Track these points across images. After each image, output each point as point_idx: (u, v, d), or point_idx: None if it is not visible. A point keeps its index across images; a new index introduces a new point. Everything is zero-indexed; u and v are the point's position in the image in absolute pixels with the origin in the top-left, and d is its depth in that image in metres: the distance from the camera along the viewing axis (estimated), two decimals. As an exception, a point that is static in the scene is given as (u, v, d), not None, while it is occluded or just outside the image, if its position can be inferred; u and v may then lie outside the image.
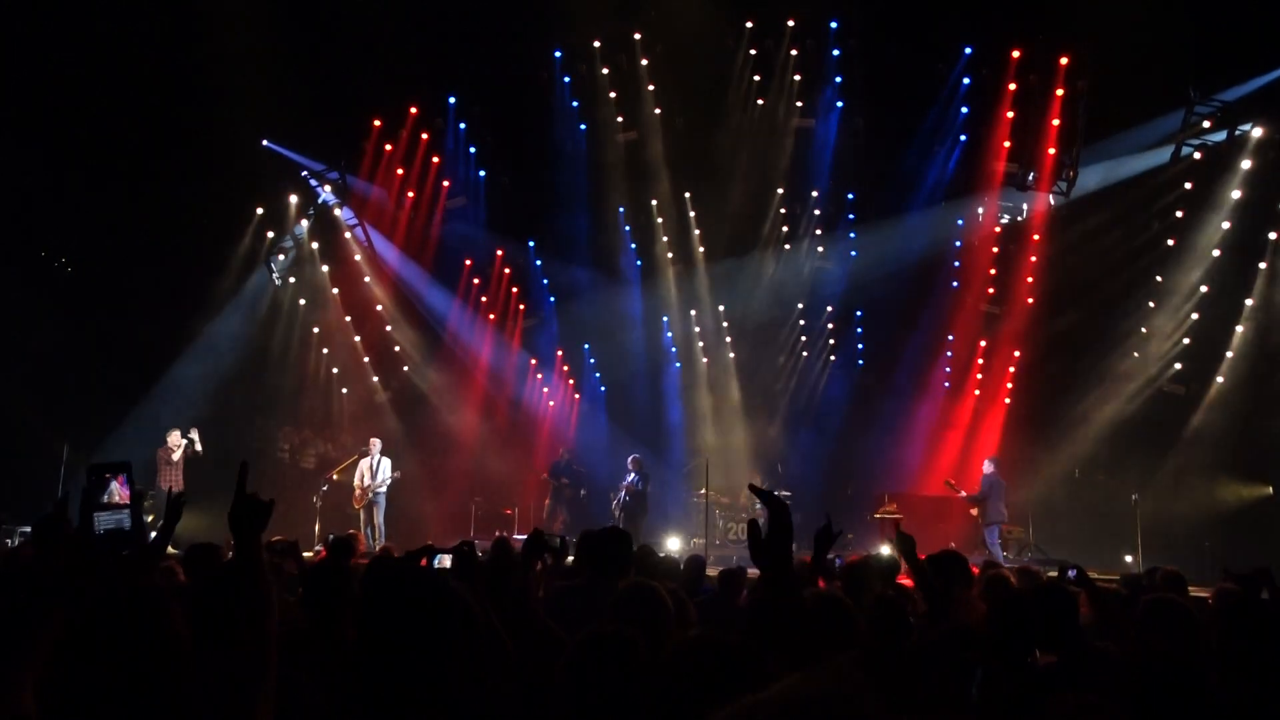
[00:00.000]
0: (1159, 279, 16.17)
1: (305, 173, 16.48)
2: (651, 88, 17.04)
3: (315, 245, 16.81)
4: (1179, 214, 15.68)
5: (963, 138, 16.86)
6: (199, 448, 13.66)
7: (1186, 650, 3.55)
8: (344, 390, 17.80)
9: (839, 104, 17.08)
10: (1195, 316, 15.98)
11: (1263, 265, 14.87)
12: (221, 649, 2.85)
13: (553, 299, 19.66)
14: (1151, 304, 16.34)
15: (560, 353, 20.09)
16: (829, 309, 19.50)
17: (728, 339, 19.80)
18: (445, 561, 4.58)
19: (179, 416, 14.16)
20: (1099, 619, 5.04)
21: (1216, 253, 15.32)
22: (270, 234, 16.25)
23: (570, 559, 6.98)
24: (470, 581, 3.59)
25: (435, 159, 17.16)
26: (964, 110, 16.60)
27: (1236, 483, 15.20)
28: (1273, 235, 14.62)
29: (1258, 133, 14.42)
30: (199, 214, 14.88)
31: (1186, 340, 16.21)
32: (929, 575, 4.43)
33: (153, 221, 14.16)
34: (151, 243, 14.30)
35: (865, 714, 0.86)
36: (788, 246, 19.01)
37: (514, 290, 19.47)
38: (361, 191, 16.83)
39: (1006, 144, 16.31)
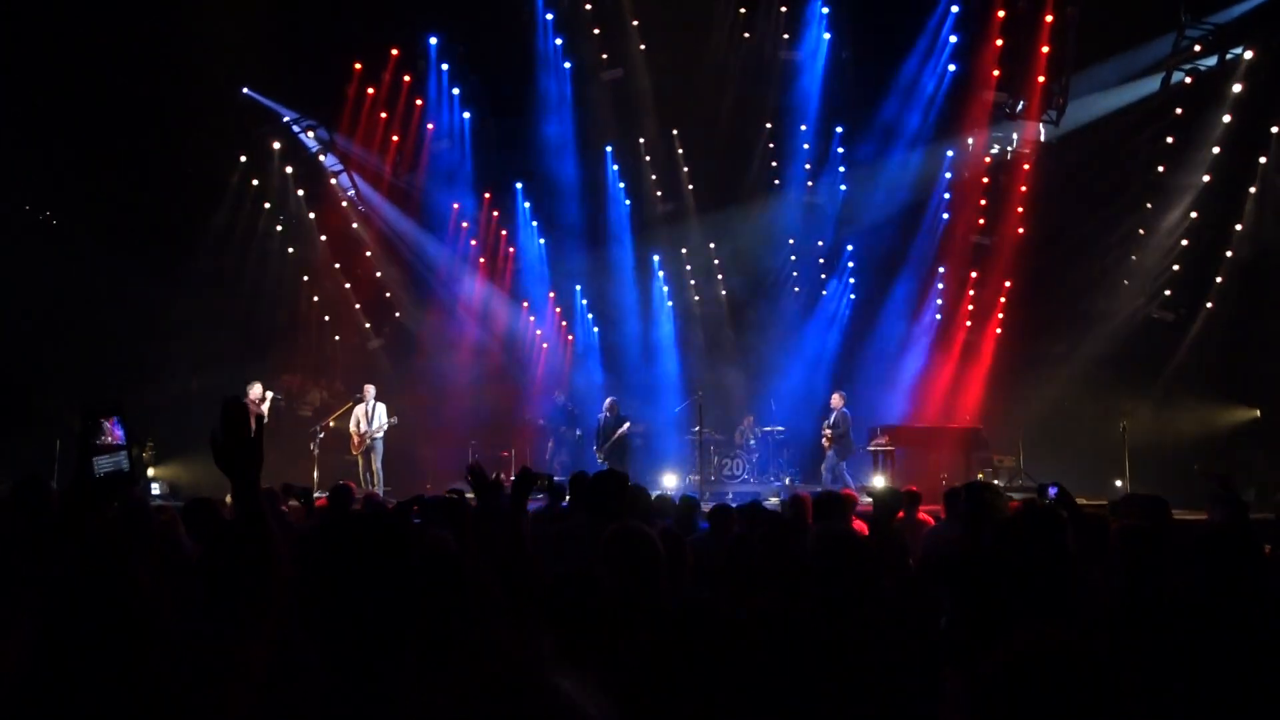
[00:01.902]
0: (1149, 206, 16.15)
1: (288, 119, 16.27)
2: (635, 23, 16.77)
3: (301, 193, 16.65)
4: (1169, 140, 15.60)
5: (952, 67, 16.67)
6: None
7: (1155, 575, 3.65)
8: (336, 337, 17.81)
9: (826, 36, 16.85)
10: (1185, 243, 15.99)
11: (1252, 190, 14.83)
12: (220, 609, 2.93)
13: (543, 241, 19.58)
14: (1141, 231, 16.34)
15: (552, 295, 20.08)
16: (820, 244, 19.45)
17: (719, 276, 19.77)
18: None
19: (173, 371, 14.17)
20: (1080, 542, 5.07)
21: (1206, 178, 15.27)
22: (255, 181, 16.09)
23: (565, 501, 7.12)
24: (461, 530, 3.65)
25: (419, 102, 16.94)
26: (953, 39, 16.40)
27: (1224, 407, 15.36)
28: (1263, 160, 14.55)
29: (1249, 55, 14.26)
30: (182, 164, 14.72)
31: (1176, 267, 16.24)
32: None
33: (135, 173, 14.01)
34: (135, 195, 14.16)
35: None
36: (777, 182, 18.91)
37: (503, 233, 19.37)
38: (345, 136, 16.63)
39: (996, 73, 16.13)
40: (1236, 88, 14.50)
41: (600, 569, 3.07)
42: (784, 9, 16.68)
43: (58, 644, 1.92)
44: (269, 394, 14.32)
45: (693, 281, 19.90)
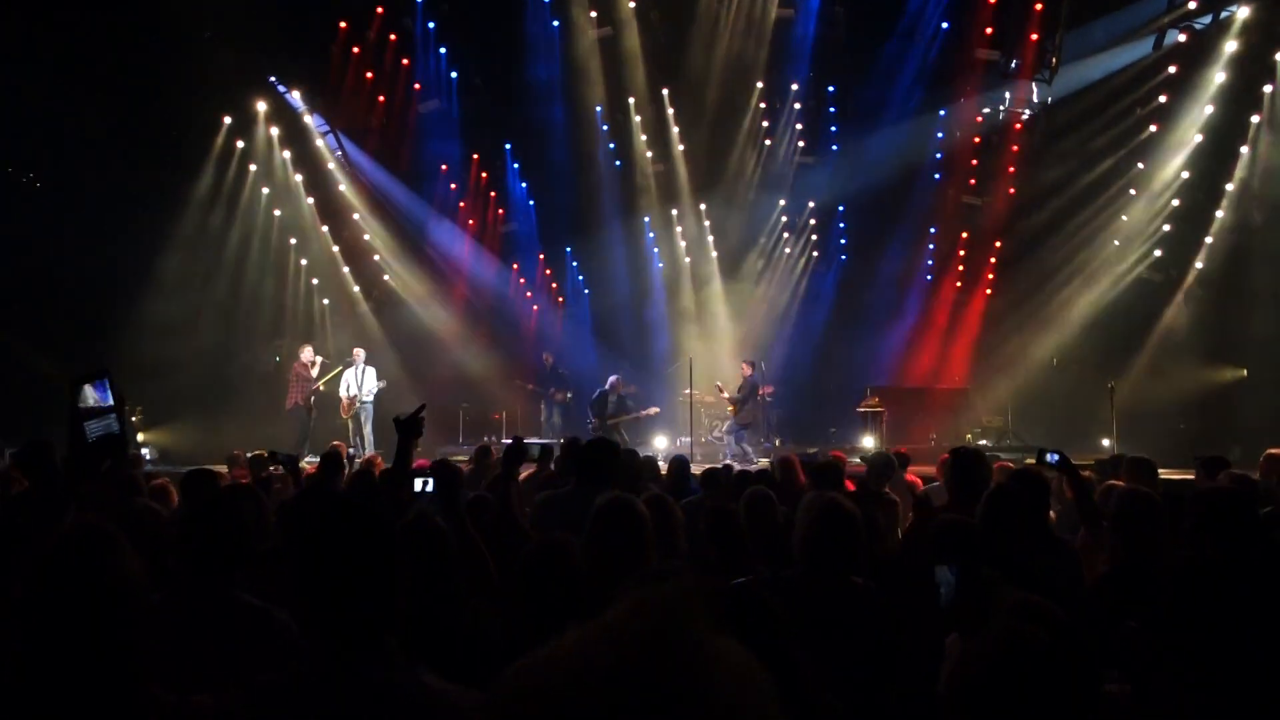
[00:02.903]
0: (1140, 165, 16.10)
1: (273, 78, 16.01)
2: (624, -21, 16.52)
3: (287, 154, 16.43)
4: (1162, 99, 15.51)
5: (944, 25, 16.50)
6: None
7: (1149, 540, 3.66)
8: (325, 301, 17.69)
9: (819, -8, 16.65)
10: (1176, 203, 15.97)
11: (1244, 150, 14.78)
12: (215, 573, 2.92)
13: (532, 202, 19.44)
14: (1133, 191, 16.30)
15: (541, 256, 19.97)
16: (811, 204, 19.37)
17: (710, 237, 19.68)
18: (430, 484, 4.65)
19: (160, 334, 14.04)
20: (1079, 505, 5.06)
21: (1199, 138, 15.21)
22: (240, 143, 15.86)
23: (553, 465, 7.13)
24: (452, 505, 3.66)
25: (405, 61, 16.70)
26: (946, -5, 16.24)
27: (1211, 366, 15.43)
28: (1255, 119, 14.48)
29: (1244, 13, 14.14)
30: (166, 127, 14.51)
31: (1167, 227, 16.23)
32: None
33: (118, 135, 13.78)
34: (118, 157, 13.94)
35: (696, 642, 0.86)
36: (769, 141, 18.77)
37: (492, 194, 19.21)
38: (331, 96, 16.40)
39: (989, 30, 15.97)
40: (1231, 45, 14.38)
41: (573, 540, 3.09)
42: (776, -36, 16.46)
43: (39, 619, 1.92)
44: (319, 358, 14.66)
45: (684, 242, 19.80)
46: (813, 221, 19.59)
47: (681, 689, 0.80)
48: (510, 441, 4.80)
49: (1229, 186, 15.06)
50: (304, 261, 17.20)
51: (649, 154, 18.77)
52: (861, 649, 3.03)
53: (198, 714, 2.03)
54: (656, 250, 19.90)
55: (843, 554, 3.29)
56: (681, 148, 18.68)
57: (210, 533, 2.97)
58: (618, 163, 18.92)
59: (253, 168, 16.01)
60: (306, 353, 14.67)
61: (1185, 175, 15.63)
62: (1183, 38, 15.03)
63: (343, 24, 15.81)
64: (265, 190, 16.28)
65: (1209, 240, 15.54)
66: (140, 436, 14.45)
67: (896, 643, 3.18)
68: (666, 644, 0.83)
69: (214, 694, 2.09)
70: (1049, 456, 5.12)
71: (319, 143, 16.87)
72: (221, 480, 5.50)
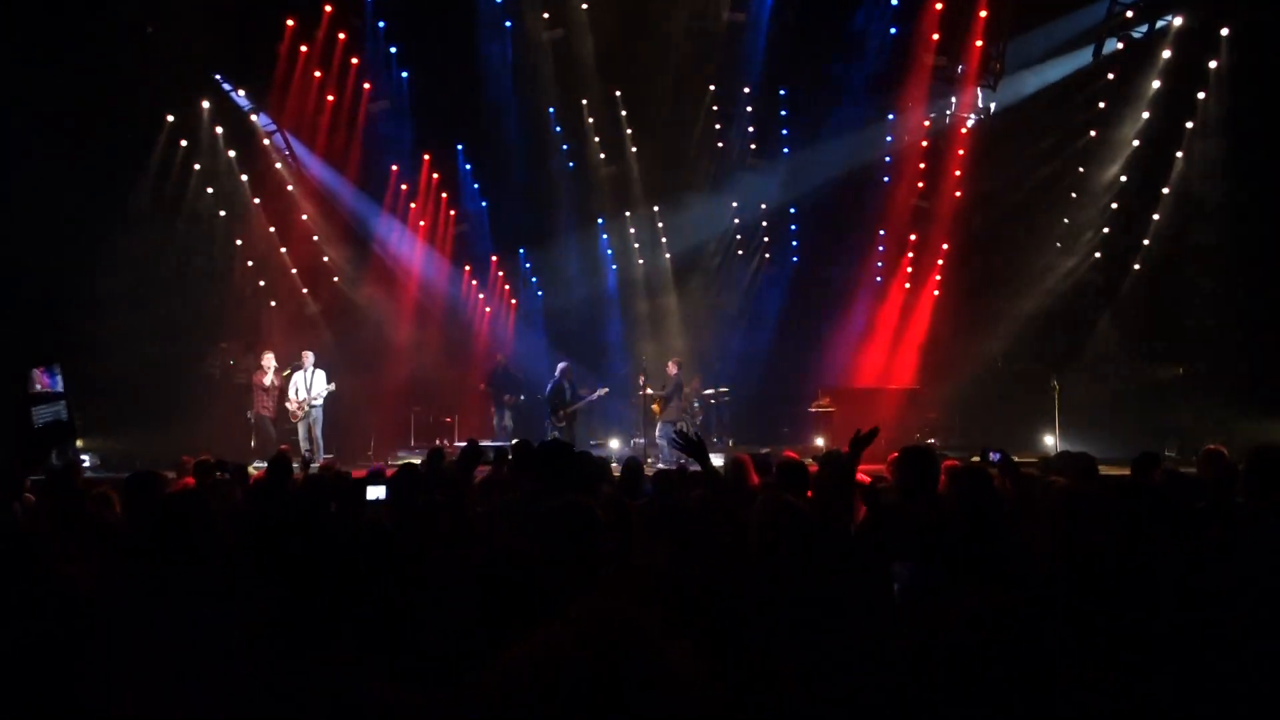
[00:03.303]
0: (1081, 170, 16.48)
1: (219, 75, 15.73)
2: (577, -18, 16.52)
3: (233, 154, 16.15)
4: (1101, 105, 15.91)
5: (893, 30, 16.75)
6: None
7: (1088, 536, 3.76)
8: (272, 303, 17.42)
9: (770, -3, 16.79)
10: (1115, 206, 16.37)
11: (1179, 155, 15.20)
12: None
13: (484, 204, 19.34)
14: (1074, 194, 16.68)
15: (495, 258, 19.87)
16: (763, 206, 19.53)
17: (663, 239, 19.74)
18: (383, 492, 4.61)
19: (102, 337, 13.71)
20: (1021, 505, 5.20)
21: (1136, 143, 15.62)
22: (184, 143, 15.55)
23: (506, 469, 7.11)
24: (405, 509, 3.64)
25: (354, 60, 16.51)
26: (894, 1, 16.47)
27: (1150, 364, 15.84)
28: (1190, 125, 14.90)
29: (1178, 22, 14.55)
30: (105, 124, 14.15)
31: (1106, 230, 16.63)
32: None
33: (52, 135, 13.39)
34: (57, 156, 13.55)
35: (644, 642, 0.90)
36: (721, 145, 18.89)
37: (444, 196, 19.07)
38: (278, 95, 16.14)
39: (935, 37, 16.24)
40: (1166, 54, 14.80)
41: (527, 542, 3.10)
42: (728, -32, 16.58)
43: None
44: (274, 365, 14.54)
45: (636, 245, 19.84)
46: (764, 224, 19.75)
47: (632, 689, 0.83)
48: (466, 444, 4.79)
49: (1165, 190, 15.48)
50: (250, 263, 16.92)
51: (602, 156, 18.77)
52: (818, 646, 3.07)
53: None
54: (610, 252, 19.91)
55: (798, 553, 3.32)
56: (634, 150, 18.71)
57: (158, 539, 2.92)
58: (570, 164, 18.90)
59: (196, 167, 15.70)
60: (267, 359, 14.46)
61: (1124, 179, 16.04)
62: (1121, 46, 15.43)
63: (290, 21, 15.58)
64: (210, 190, 15.98)
65: (1146, 242, 15.95)
66: (79, 443, 14.09)
67: (852, 638, 3.23)
68: (616, 647, 0.86)
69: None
70: (991, 455, 5.31)
71: (265, 142, 16.61)
72: (168, 486, 5.38)
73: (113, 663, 2.64)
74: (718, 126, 18.66)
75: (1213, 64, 14.19)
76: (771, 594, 3.20)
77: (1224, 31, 13.92)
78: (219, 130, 15.80)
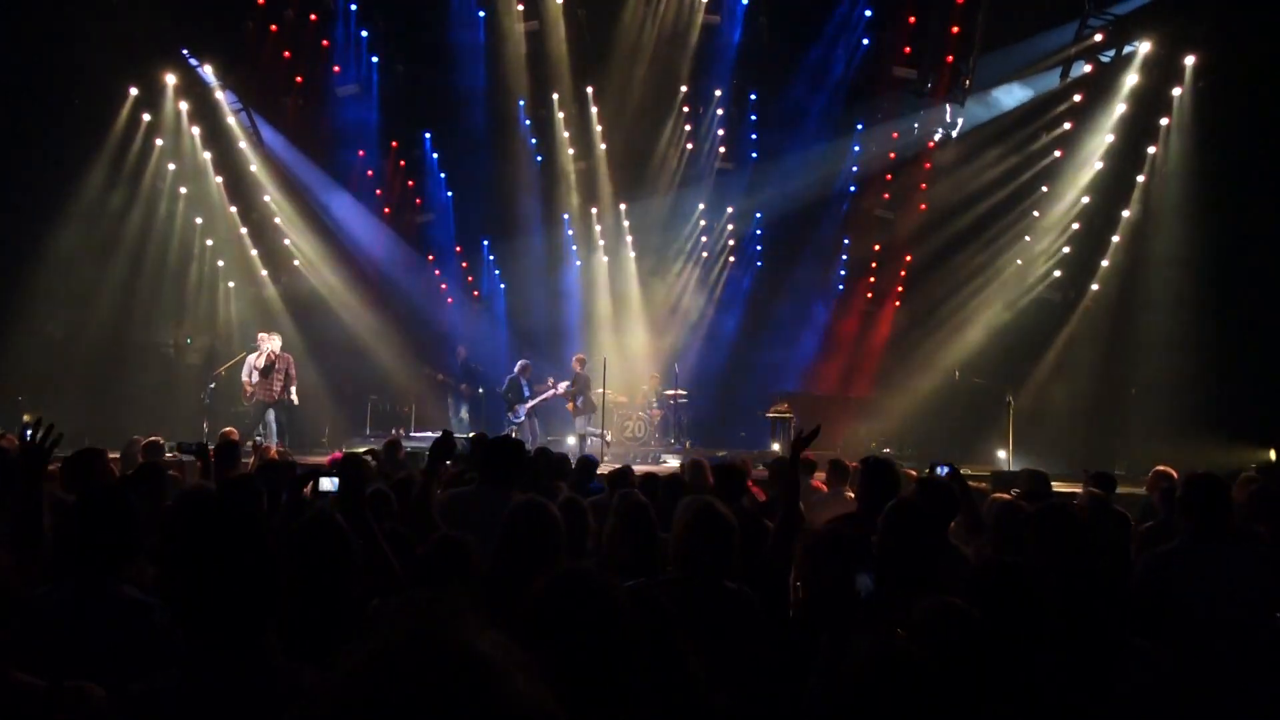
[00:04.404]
0: (1044, 189, 16.72)
1: (185, 50, 15.42)
2: (553, -25, 16.46)
3: (196, 131, 15.85)
4: (1067, 126, 16.14)
5: (865, 41, 16.89)
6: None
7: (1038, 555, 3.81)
8: (230, 284, 17.15)
9: (744, 1, 16.84)
10: (1076, 226, 16.63)
11: (1140, 179, 15.46)
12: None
13: (450, 194, 19.18)
14: (1036, 213, 16.91)
15: (459, 249, 19.72)
16: (729, 210, 19.59)
17: (629, 238, 19.73)
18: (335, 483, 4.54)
19: (53, 312, 13.42)
20: (964, 515, 5.26)
21: (1100, 165, 15.87)
22: (146, 116, 15.23)
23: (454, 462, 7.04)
24: (355, 504, 3.59)
25: (325, 42, 16.31)
26: (868, 13, 16.61)
27: (1104, 384, 16.09)
28: (1151, 150, 15.17)
29: (1145, 48, 14.81)
30: (67, 94, 13.83)
31: (1066, 249, 16.88)
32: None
33: (11, 98, 13.05)
34: (11, 124, 13.22)
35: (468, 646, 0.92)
36: (690, 146, 18.91)
37: (410, 184, 18.90)
38: (245, 74, 15.88)
39: (906, 50, 16.40)
40: (1132, 79, 15.05)
41: (469, 536, 3.09)
42: (704, -30, 16.62)
43: None
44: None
45: (602, 241, 19.80)
46: (730, 227, 19.81)
47: (453, 683, 0.86)
48: (440, 435, 4.72)
49: (1125, 213, 15.74)
50: (209, 242, 16.63)
51: (571, 151, 18.71)
52: (736, 653, 3.04)
53: (73, 701, 1.97)
54: (575, 249, 19.85)
55: (716, 558, 3.29)
56: (604, 147, 18.67)
57: (98, 524, 2.85)
58: (539, 158, 18.82)
59: (159, 142, 15.39)
60: (275, 342, 13.93)
61: (1085, 200, 16.29)
62: (1088, 68, 15.68)
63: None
64: (171, 166, 15.68)
65: (1105, 263, 16.22)
66: (25, 417, 13.76)
67: (772, 647, 3.20)
68: (434, 643, 0.89)
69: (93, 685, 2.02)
70: (939, 469, 5.35)
71: (230, 120, 16.31)
72: (106, 463, 5.19)
73: (43, 649, 2.57)
74: (688, 127, 18.69)
75: (1176, 90, 14.46)
76: (688, 596, 3.16)
77: (1189, 60, 14.18)
78: (183, 105, 15.50)
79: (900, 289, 18.87)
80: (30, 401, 14.14)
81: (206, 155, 16.02)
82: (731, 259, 20.07)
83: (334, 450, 13.91)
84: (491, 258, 20.03)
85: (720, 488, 5.51)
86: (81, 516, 2.88)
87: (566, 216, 19.47)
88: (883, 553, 3.34)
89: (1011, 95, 16.54)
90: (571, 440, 15.92)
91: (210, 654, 1.92)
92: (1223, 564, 3.94)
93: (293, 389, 14.02)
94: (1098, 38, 15.20)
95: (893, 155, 18.26)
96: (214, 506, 2.10)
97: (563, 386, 15.62)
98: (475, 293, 20.37)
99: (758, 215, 19.51)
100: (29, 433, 3.35)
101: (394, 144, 18.11)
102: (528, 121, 18.32)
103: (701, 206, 19.60)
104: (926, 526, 3.68)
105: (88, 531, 2.84)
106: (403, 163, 18.53)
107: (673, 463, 13.95)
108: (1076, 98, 15.92)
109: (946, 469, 5.38)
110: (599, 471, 7.78)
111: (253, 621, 1.95)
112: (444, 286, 19.80)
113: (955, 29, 15.71)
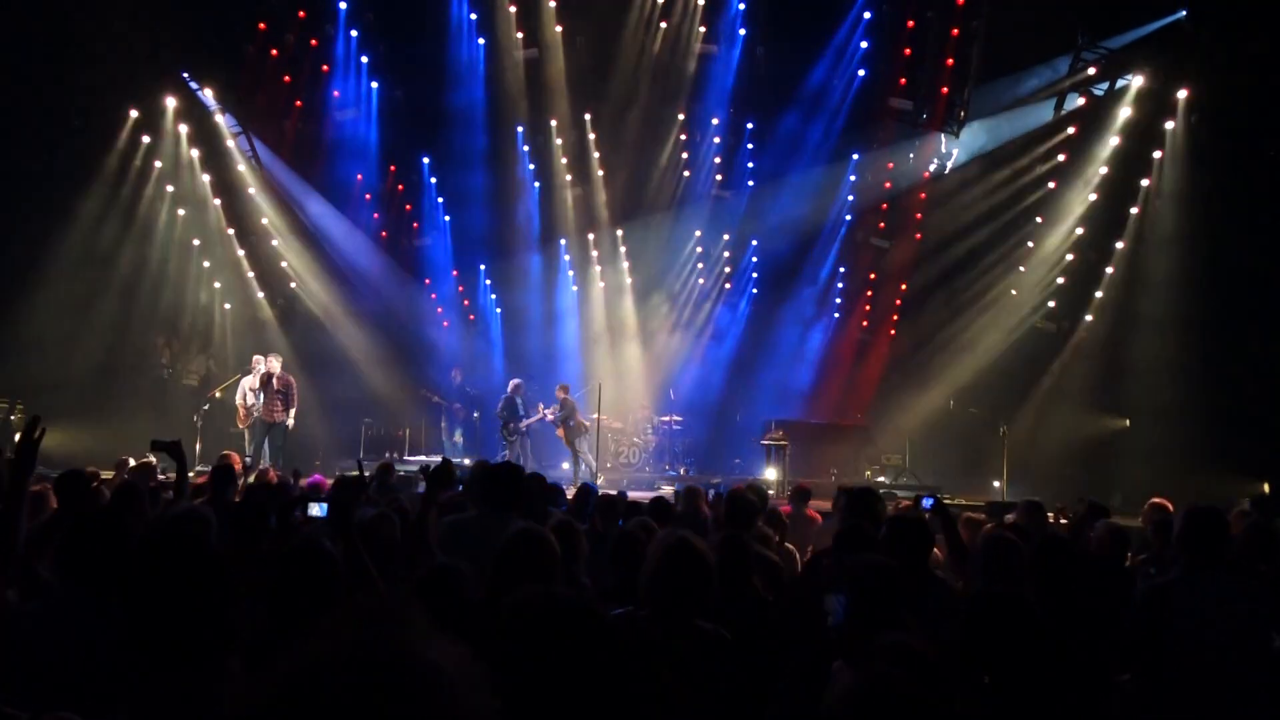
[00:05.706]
0: (1039, 220, 16.82)
1: (185, 74, 15.51)
2: (553, 4, 16.61)
3: (195, 153, 15.91)
4: (1061, 158, 16.26)
5: (861, 72, 17.04)
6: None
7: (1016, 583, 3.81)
8: (226, 306, 17.14)
9: (741, 31, 17.00)
10: (1070, 258, 16.71)
11: (1134, 210, 15.56)
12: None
13: (448, 218, 19.25)
14: (1030, 244, 17.00)
15: (455, 272, 19.76)
16: (725, 237, 19.68)
17: (625, 263, 19.79)
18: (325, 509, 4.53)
19: (49, 333, 13.39)
20: (948, 545, 5.28)
21: (1093, 197, 15.98)
22: (146, 138, 15.28)
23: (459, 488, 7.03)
24: (346, 532, 3.59)
25: (324, 68, 16.42)
26: (864, 45, 16.77)
27: (1097, 415, 16.11)
28: (1145, 182, 15.28)
29: (1138, 82, 14.95)
30: (65, 115, 13.89)
31: (1061, 280, 16.96)
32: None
33: (12, 118, 13.10)
34: (12, 146, 13.26)
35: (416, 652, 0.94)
36: (687, 173, 19.02)
37: (407, 207, 18.97)
38: (245, 97, 15.97)
39: (902, 81, 16.56)
40: (1125, 112, 15.20)
41: (465, 565, 3.09)
42: (701, 1, 16.77)
43: None
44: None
45: (599, 267, 19.86)
46: (726, 254, 19.88)
47: (390, 690, 0.87)
48: (438, 462, 4.72)
49: (1119, 245, 15.83)
50: (206, 264, 16.65)
51: (568, 177, 18.81)
52: (705, 695, 2.97)
53: None
54: (571, 274, 19.90)
55: (688, 597, 3.16)
56: (601, 173, 18.78)
57: (88, 541, 2.86)
58: (536, 184, 18.92)
59: (158, 164, 15.43)
60: (275, 363, 14.07)
61: (1079, 232, 16.39)
62: (1081, 101, 15.83)
63: (262, 25, 15.46)
64: (170, 189, 15.72)
65: (1099, 295, 16.28)
66: (18, 438, 13.69)
67: (742, 692, 3.14)
68: (375, 649, 0.90)
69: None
70: (924, 501, 5.55)
71: (230, 143, 16.38)
72: (106, 487, 5.23)
73: (30, 668, 2.57)
74: (685, 155, 18.81)
75: (1169, 124, 14.58)
76: (659, 633, 3.11)
77: (1181, 93, 14.31)
78: (183, 128, 15.56)
79: (895, 317, 18.93)
80: (21, 424, 14.10)
81: (205, 177, 16.07)
82: (727, 285, 20.14)
83: (316, 474, 13.84)
84: (488, 281, 20.07)
85: (731, 519, 5.44)
86: (72, 532, 2.90)
87: (563, 241, 19.54)
88: (848, 598, 3.27)
89: (1005, 125, 16.68)
90: (566, 466, 15.90)
91: (167, 676, 1.95)
92: (1221, 596, 3.95)
93: (291, 411, 14.02)
94: (1091, 71, 15.36)
95: (888, 185, 18.38)
96: (173, 537, 2.13)
97: (550, 413, 15.62)
98: (471, 317, 20.39)
99: (754, 242, 19.59)
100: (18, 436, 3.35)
101: (392, 167, 18.20)
102: (526, 146, 18.43)
103: (698, 233, 19.69)
104: (886, 577, 3.54)
105: (78, 547, 2.86)
106: (401, 186, 18.60)
107: (667, 489, 13.91)
108: (1070, 130, 16.05)
109: (930, 501, 5.53)
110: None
111: (215, 642, 1.98)
112: (440, 309, 19.80)
113: (950, 61, 15.86)
